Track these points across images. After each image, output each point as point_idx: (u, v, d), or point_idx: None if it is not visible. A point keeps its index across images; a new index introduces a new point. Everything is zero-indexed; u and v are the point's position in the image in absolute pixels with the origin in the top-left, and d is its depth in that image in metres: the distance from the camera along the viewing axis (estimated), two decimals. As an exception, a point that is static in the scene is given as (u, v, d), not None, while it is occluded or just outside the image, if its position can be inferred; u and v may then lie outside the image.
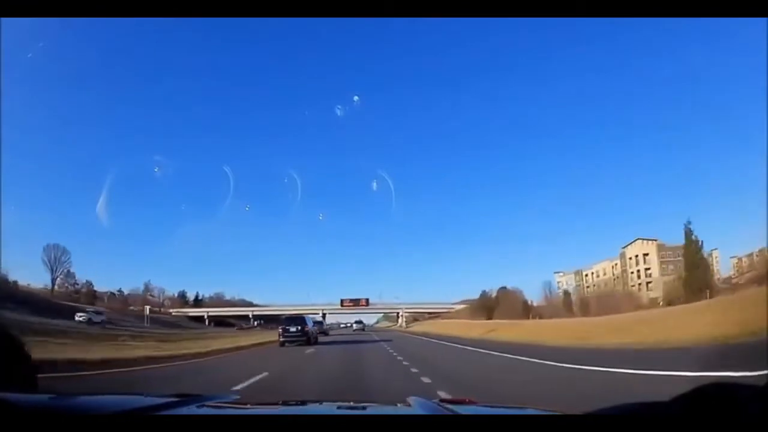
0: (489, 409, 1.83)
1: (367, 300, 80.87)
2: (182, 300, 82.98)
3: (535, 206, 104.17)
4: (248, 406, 1.87)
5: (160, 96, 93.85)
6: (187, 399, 1.53)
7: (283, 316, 28.43)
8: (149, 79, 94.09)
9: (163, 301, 78.57)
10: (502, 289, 70.09)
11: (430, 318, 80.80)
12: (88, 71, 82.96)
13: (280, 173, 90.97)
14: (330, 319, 72.22)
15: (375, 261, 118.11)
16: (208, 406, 1.57)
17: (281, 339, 21.46)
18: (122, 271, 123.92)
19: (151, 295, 75.28)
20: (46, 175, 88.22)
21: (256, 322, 79.18)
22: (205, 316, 76.50)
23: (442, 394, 5.61)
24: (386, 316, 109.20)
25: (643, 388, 6.06)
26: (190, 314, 75.41)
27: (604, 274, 70.14)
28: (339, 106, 64.86)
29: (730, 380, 1.39)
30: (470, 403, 1.84)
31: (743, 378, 5.11)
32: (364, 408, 1.93)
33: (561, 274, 74.35)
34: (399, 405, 1.80)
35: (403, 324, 76.42)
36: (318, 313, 62.47)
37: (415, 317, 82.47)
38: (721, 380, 1.04)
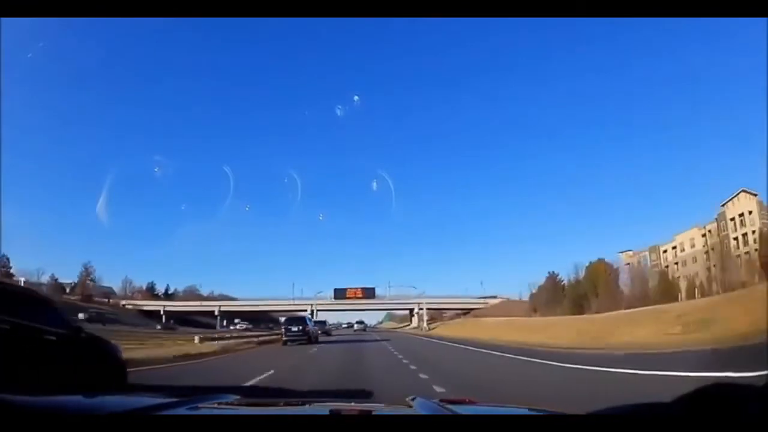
0: (489, 408, 1.83)
1: (372, 290, 60.24)
2: (150, 292, 72.97)
3: (542, 201, 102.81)
4: (249, 406, 1.87)
5: (160, 96, 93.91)
6: (187, 399, 1.53)
7: (283, 318, 28.64)
8: (149, 79, 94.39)
9: (133, 293, 70.18)
10: (598, 264, 47.30)
11: (456, 316, 63.69)
12: (88, 71, 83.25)
13: (280, 173, 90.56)
14: (329, 319, 59.98)
15: (377, 255, 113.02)
16: (208, 406, 1.57)
17: (284, 338, 23.46)
18: (117, 269, 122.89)
19: (90, 280, 64.35)
20: (46, 175, 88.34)
21: (224, 321, 64.59)
22: (162, 311, 64.50)
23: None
24: (391, 315, 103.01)
25: None
26: (145, 308, 64.75)
27: (692, 246, 52.72)
28: (339, 106, 64.13)
29: (730, 380, 1.39)
30: (470, 403, 1.84)
31: (743, 378, 5.12)
32: (364, 408, 1.93)
33: (629, 253, 58.09)
34: (399, 405, 1.80)
35: (424, 325, 56.00)
36: (306, 309, 52.99)
37: (432, 315, 63.74)
38: (721, 380, 1.04)
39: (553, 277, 53.08)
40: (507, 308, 53.01)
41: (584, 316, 32.90)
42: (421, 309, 60.56)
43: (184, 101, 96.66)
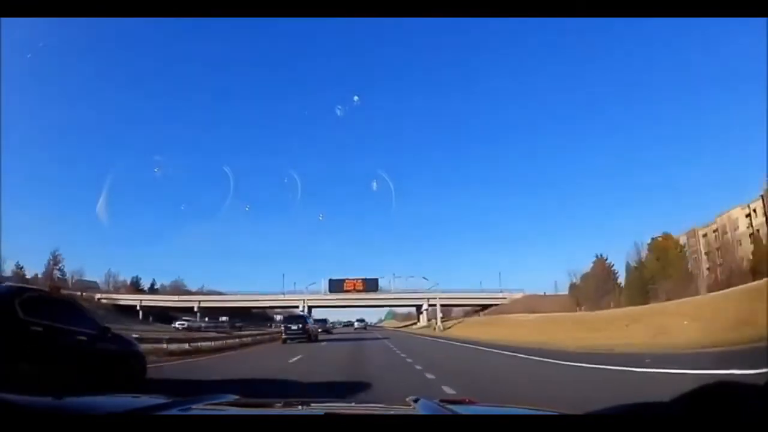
0: (489, 408, 1.83)
1: (375, 281, 52.40)
2: (134, 287, 68.99)
3: (556, 195, 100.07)
4: (248, 406, 1.86)
5: (160, 96, 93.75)
6: (186, 399, 1.53)
7: (281, 316, 28.45)
8: (149, 79, 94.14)
9: (117, 288, 67.38)
10: (665, 240, 36.99)
11: (466, 314, 57.86)
12: (88, 71, 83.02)
13: (280, 173, 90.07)
14: (326, 315, 54.70)
15: (379, 252, 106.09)
16: (207, 406, 1.57)
17: (283, 336, 23.44)
18: (114, 268, 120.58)
19: (58, 269, 58.67)
20: (45, 174, 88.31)
21: (206, 318, 55.19)
22: (138, 306, 59.20)
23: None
24: (393, 313, 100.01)
25: None
26: (121, 302, 59.28)
27: (736, 228, 43.83)
28: (339, 106, 63.85)
29: (730, 379, 1.38)
30: (470, 403, 1.84)
31: (744, 377, 5.12)
32: (364, 408, 1.93)
33: (661, 238, 48.58)
34: (400, 405, 1.80)
35: (438, 323, 47.82)
36: (297, 306, 49.51)
37: (441, 312, 55.45)
38: (721, 379, 1.04)
39: (602, 261, 41.98)
40: (533, 303, 43.84)
41: (676, 301, 21.86)
42: (433, 305, 52.30)
43: (184, 101, 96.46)
